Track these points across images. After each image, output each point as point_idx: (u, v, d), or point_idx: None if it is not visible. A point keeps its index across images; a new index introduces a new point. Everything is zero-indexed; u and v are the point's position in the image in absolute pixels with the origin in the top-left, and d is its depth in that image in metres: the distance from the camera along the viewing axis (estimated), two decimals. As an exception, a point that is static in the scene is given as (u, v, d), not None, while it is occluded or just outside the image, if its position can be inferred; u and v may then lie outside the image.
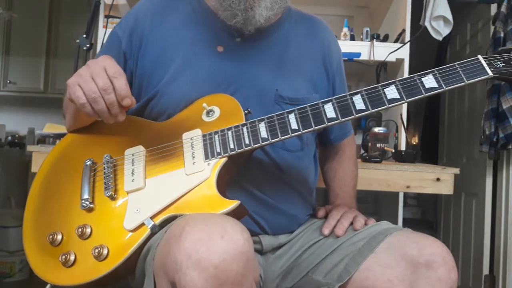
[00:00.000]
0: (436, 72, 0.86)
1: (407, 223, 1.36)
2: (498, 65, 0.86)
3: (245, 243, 0.69)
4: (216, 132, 0.90)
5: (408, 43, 2.10)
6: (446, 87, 0.85)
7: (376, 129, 1.77)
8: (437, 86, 0.85)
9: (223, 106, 0.94)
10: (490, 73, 0.85)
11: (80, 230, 0.88)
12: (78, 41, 1.62)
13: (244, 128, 0.89)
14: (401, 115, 2.07)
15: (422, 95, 0.85)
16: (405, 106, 2.11)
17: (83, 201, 0.91)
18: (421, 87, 0.85)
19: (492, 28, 2.40)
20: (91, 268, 0.84)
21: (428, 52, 2.87)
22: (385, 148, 1.75)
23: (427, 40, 2.22)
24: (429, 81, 0.86)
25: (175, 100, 0.98)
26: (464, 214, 2.90)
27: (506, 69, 0.86)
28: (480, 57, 0.87)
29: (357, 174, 1.23)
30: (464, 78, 0.85)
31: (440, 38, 2.21)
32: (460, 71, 0.86)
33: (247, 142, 0.88)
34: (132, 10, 1.09)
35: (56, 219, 0.93)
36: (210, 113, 0.94)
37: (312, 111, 0.88)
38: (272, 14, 0.99)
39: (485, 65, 0.86)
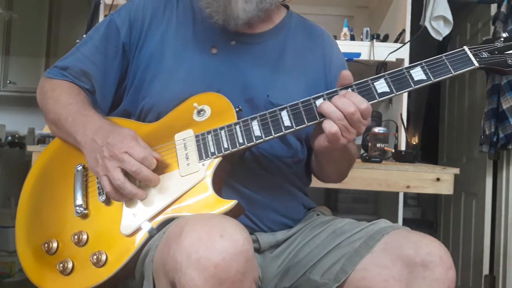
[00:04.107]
0: (424, 64, 0.87)
1: (407, 223, 1.36)
2: (484, 56, 0.87)
3: (245, 242, 0.69)
4: (208, 132, 0.90)
5: (408, 43, 2.10)
6: (435, 79, 0.86)
7: (376, 129, 1.77)
8: (425, 78, 0.86)
9: (213, 105, 0.93)
10: (476, 64, 0.86)
11: (76, 237, 0.88)
12: (78, 41, 1.62)
13: (237, 127, 0.89)
14: (401, 115, 2.08)
15: (412, 88, 0.86)
16: (405, 106, 2.11)
17: (77, 207, 0.90)
18: (410, 80, 0.86)
19: (492, 28, 2.40)
20: (90, 275, 0.84)
21: (428, 52, 2.86)
22: (385, 148, 1.75)
23: (427, 40, 2.22)
24: (417, 73, 0.86)
25: (167, 99, 0.97)
26: (464, 214, 2.90)
27: (491, 59, 0.87)
28: (466, 48, 0.88)
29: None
30: (451, 70, 0.86)
31: (440, 38, 2.21)
32: (447, 63, 0.86)
33: (240, 141, 0.88)
34: (133, 1, 1.08)
35: (50, 227, 0.93)
36: (201, 112, 0.93)
37: (304, 107, 0.87)
38: (252, 8, 0.97)
39: (471, 56, 0.87)
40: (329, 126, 0.84)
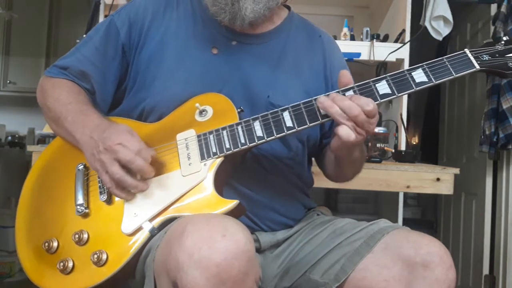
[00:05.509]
0: (425, 66, 0.87)
1: (407, 223, 1.36)
2: (484, 58, 0.88)
3: (247, 242, 0.70)
4: (210, 132, 0.90)
5: (408, 43, 2.10)
6: (436, 81, 0.86)
7: (376, 129, 1.77)
8: (427, 80, 0.86)
9: (215, 105, 0.93)
10: (477, 66, 0.87)
11: (77, 236, 0.88)
12: (78, 41, 1.61)
13: (239, 127, 0.89)
14: (401, 115, 2.08)
15: (413, 89, 0.87)
16: (405, 106, 2.11)
17: (78, 206, 0.90)
18: (411, 82, 0.86)
19: (492, 28, 2.40)
20: (91, 274, 0.84)
21: (428, 52, 2.87)
22: (385, 148, 1.76)
23: (427, 40, 2.22)
24: (419, 75, 0.87)
25: (167, 100, 0.97)
26: (464, 214, 2.90)
27: (491, 62, 0.88)
28: (467, 51, 0.88)
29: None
30: (453, 72, 0.86)
31: (440, 38, 2.21)
32: (448, 65, 0.87)
33: (242, 141, 0.88)
34: (133, 2, 1.08)
35: (50, 226, 0.93)
36: (203, 112, 0.93)
37: (306, 108, 0.87)
38: (260, 8, 0.97)
39: (472, 58, 0.87)
40: (347, 135, 0.83)
